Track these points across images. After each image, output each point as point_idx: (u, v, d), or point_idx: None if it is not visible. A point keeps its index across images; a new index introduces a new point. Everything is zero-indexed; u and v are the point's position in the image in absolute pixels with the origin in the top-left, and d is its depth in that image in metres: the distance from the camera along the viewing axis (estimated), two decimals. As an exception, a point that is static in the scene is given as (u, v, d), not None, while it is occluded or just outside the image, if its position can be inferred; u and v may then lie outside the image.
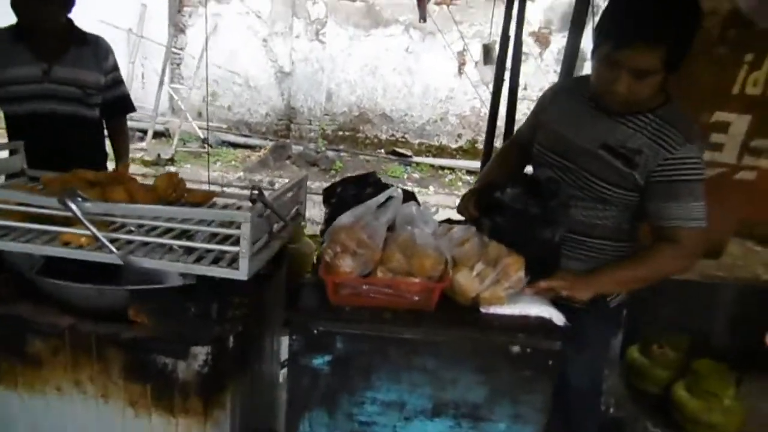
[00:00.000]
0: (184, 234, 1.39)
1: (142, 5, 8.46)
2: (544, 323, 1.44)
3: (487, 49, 4.48)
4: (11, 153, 1.83)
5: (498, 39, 3.28)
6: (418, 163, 8.75)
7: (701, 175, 1.50)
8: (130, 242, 1.34)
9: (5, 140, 2.02)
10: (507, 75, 3.09)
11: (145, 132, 8.37)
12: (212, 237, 1.36)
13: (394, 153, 8.95)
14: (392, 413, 1.42)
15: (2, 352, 1.44)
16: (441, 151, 9.18)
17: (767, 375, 2.68)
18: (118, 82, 2.51)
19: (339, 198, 1.69)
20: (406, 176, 8.34)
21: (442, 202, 6.98)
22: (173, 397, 1.41)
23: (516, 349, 1.36)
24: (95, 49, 2.39)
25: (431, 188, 7.84)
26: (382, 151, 9.13)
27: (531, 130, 1.81)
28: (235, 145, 8.81)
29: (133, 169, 6.87)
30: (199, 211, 1.46)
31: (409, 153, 8.96)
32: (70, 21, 2.33)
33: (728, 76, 2.78)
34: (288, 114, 9.21)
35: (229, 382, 1.44)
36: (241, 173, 7.62)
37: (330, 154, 8.58)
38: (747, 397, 2.81)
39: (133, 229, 1.37)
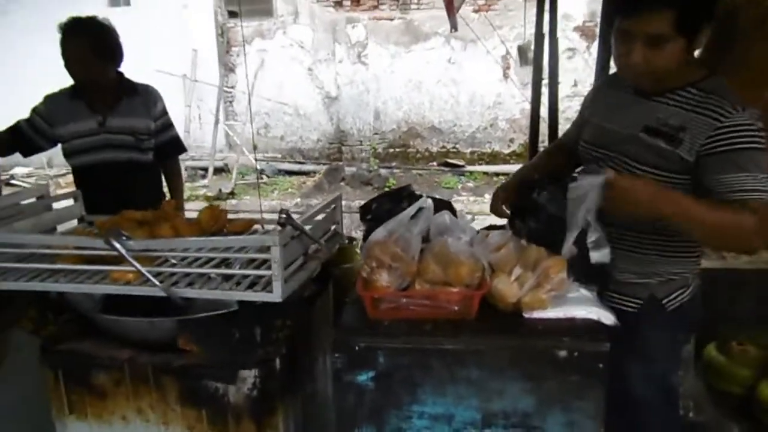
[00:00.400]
0: (223, 262, 1.45)
1: (193, 51, 8.94)
2: (591, 325, 1.38)
3: (522, 51, 4.41)
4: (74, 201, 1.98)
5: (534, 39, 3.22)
6: (471, 172, 8.69)
7: (761, 143, 1.37)
8: (173, 274, 1.41)
9: (70, 189, 2.18)
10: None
11: (205, 170, 8.78)
12: (250, 263, 1.41)
13: (446, 164, 8.92)
14: (441, 426, 1.39)
15: (72, 385, 1.55)
16: (494, 157, 9.07)
17: None
18: (169, 125, 2.66)
19: (375, 214, 1.71)
20: (460, 186, 8.29)
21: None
22: (227, 421, 1.46)
23: (562, 353, 1.31)
24: (145, 97, 2.54)
25: (487, 196, 7.74)
26: (434, 163, 9.14)
27: (576, 129, 1.78)
28: (290, 173, 9.08)
29: (196, 205, 7.22)
30: (229, 239, 1.52)
31: (461, 162, 8.91)
32: (121, 74, 2.49)
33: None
34: (338, 137, 9.41)
35: (280, 403, 1.47)
36: (298, 199, 7.83)
37: (383, 171, 8.68)
38: None
39: (175, 262, 1.44)
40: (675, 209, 1.36)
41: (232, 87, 9.35)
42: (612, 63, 2.23)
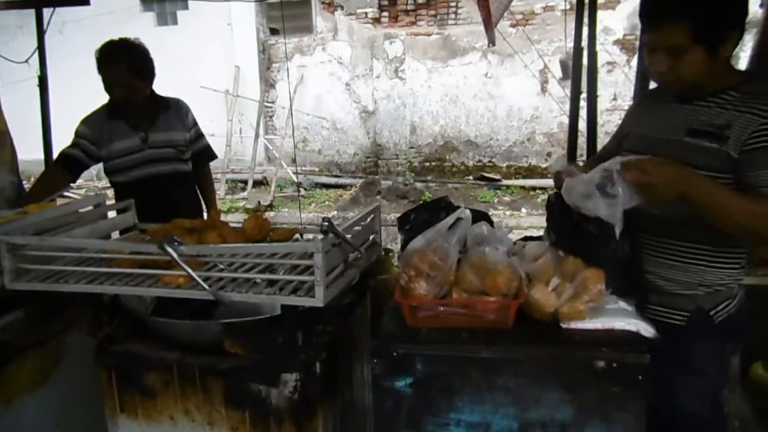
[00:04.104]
0: (268, 268, 1.51)
1: (236, 67, 9.22)
2: (631, 336, 1.37)
3: (563, 64, 4.40)
4: (124, 211, 2.08)
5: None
6: (507, 186, 8.63)
7: None
8: (220, 279, 1.47)
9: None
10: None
11: (245, 182, 9.00)
12: (293, 269, 1.46)
13: (482, 178, 8.90)
14: (478, 435, 1.41)
15: (124, 385, 1.62)
16: (531, 171, 8.99)
17: None
18: (200, 135, 2.79)
19: (413, 224, 1.74)
20: (496, 200, 8.25)
21: (535, 224, 6.81)
22: (269, 423, 1.50)
23: (601, 364, 1.31)
24: (177, 110, 2.67)
25: (523, 210, 7.68)
26: (470, 177, 9.12)
27: (616, 142, 1.78)
28: (327, 186, 9.22)
29: (236, 217, 7.40)
30: (275, 246, 1.58)
31: (497, 176, 8.87)
32: (153, 91, 2.62)
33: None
34: (375, 151, 9.51)
35: (320, 407, 1.51)
36: (335, 212, 7.93)
37: (418, 185, 8.71)
38: None
39: (223, 267, 1.51)
40: (700, 190, 1.36)
41: (273, 102, 9.58)
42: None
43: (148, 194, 2.46)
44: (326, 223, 1.36)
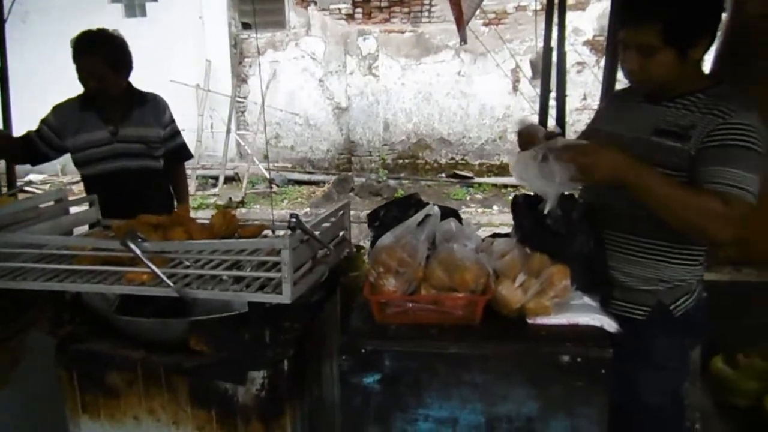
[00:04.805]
0: (235, 265, 1.49)
1: (207, 61, 9.08)
2: (595, 331, 1.40)
3: (534, 64, 4.46)
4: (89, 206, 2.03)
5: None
6: (480, 184, 8.71)
7: (759, 146, 1.40)
8: (186, 276, 1.45)
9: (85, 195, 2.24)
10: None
11: (216, 178, 8.88)
12: (260, 266, 1.45)
13: (455, 176, 8.96)
14: (446, 430, 1.42)
15: (86, 385, 1.58)
16: (502, 169, 9.08)
17: None
18: (176, 133, 2.73)
19: (382, 221, 1.74)
20: (468, 197, 8.31)
21: (507, 221, 6.88)
22: (236, 421, 1.49)
23: (566, 359, 1.33)
24: (154, 106, 2.61)
25: (495, 207, 7.76)
26: (443, 175, 9.17)
27: (585, 139, 1.80)
28: (300, 183, 9.16)
29: (207, 213, 7.30)
30: (241, 242, 1.56)
31: (470, 174, 8.94)
32: (130, 84, 2.56)
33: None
34: (348, 148, 9.48)
35: (288, 405, 1.50)
36: (308, 209, 7.88)
37: (391, 182, 8.73)
38: None
39: (188, 264, 1.48)
40: (640, 178, 1.39)
41: (245, 97, 9.47)
42: (618, 77, 2.28)
43: (116, 189, 2.41)
44: (294, 220, 1.35)
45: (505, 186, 8.47)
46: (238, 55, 9.39)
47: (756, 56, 2.58)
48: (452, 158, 9.33)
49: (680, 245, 1.57)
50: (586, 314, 1.44)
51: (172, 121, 2.71)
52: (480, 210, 7.70)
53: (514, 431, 1.39)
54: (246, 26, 9.30)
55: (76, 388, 1.57)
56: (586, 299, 1.50)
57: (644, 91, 1.59)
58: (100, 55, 2.36)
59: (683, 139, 1.47)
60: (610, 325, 1.42)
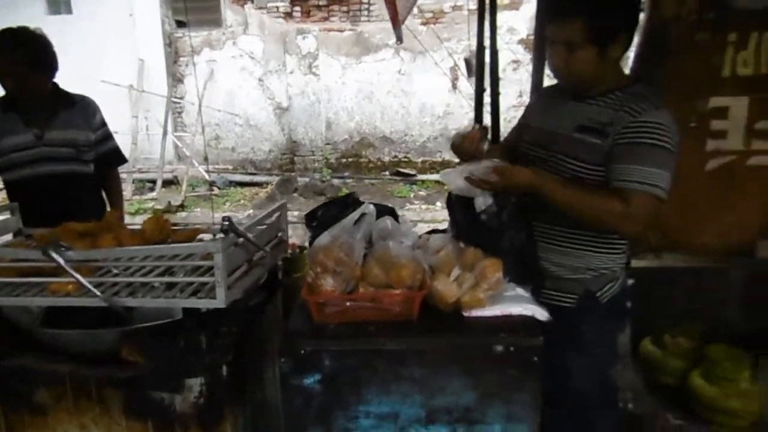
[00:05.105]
0: (167, 271, 1.45)
1: (140, 60, 8.75)
2: (527, 320, 1.45)
3: (468, 63, 4.55)
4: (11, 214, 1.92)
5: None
6: (423, 181, 8.81)
7: (668, 143, 1.50)
8: (114, 284, 1.40)
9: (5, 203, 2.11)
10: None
11: (154, 182, 8.57)
12: (194, 271, 1.42)
13: (399, 173, 9.03)
14: (387, 425, 1.43)
15: (11, 403, 1.50)
16: (445, 166, 9.18)
17: (784, 354, 2.63)
18: (108, 136, 2.62)
19: (320, 221, 1.75)
20: (412, 194, 8.40)
21: (450, 217, 7.00)
22: (174, 431, 1.45)
23: (499, 348, 1.38)
24: (83, 108, 2.50)
25: (438, 204, 7.87)
26: (387, 172, 9.23)
27: (516, 134, 1.89)
28: (242, 184, 8.98)
29: (144, 218, 7.04)
30: (172, 247, 1.52)
31: (413, 172, 9.03)
32: (56, 85, 2.44)
33: (715, 60, 2.78)
34: (290, 148, 9.38)
35: (228, 410, 1.47)
36: (251, 211, 7.74)
37: (335, 182, 8.70)
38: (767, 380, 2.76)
39: (118, 272, 1.43)
40: (549, 192, 1.54)
41: (181, 98, 9.19)
42: (546, 73, 2.36)
43: (43, 196, 2.29)
44: (226, 222, 1.33)
45: (448, 182, 8.62)
46: (173, 54, 9.11)
47: (668, 57, 2.75)
48: (395, 156, 9.40)
49: (604, 236, 1.65)
50: (519, 305, 1.49)
51: (104, 124, 2.59)
52: (424, 207, 7.80)
53: (453, 422, 1.42)
54: (180, 24, 9.03)
55: None
56: (519, 290, 1.56)
57: (569, 87, 1.66)
58: (19, 54, 2.23)
59: (602, 135, 1.55)
60: (541, 314, 1.48)
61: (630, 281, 1.93)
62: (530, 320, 1.45)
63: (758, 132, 2.81)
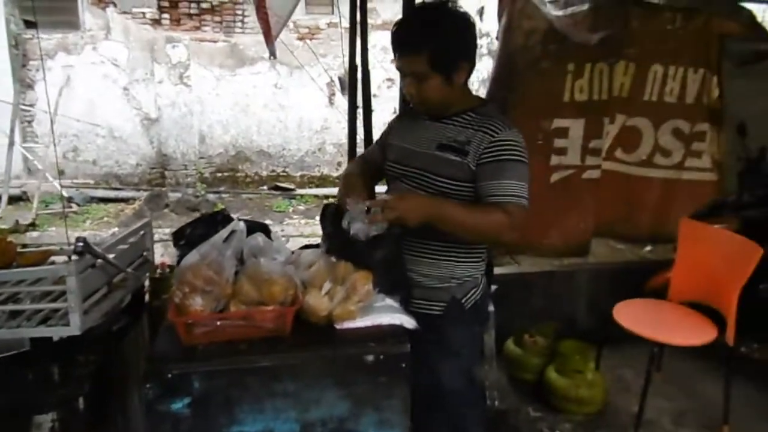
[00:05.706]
0: (11, 298, 1.32)
1: (-20, 63, 7.81)
2: (395, 329, 1.52)
3: (342, 81, 4.65)
4: None
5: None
6: (302, 195, 8.78)
7: (524, 157, 1.68)
8: (-54, 316, 1.25)
9: None
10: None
11: (-2, 198, 7.65)
12: (45, 296, 1.31)
13: (277, 188, 8.92)
14: (261, 443, 1.42)
15: None
16: (323, 180, 9.29)
17: (621, 345, 3.00)
18: None
19: (188, 239, 1.69)
20: (291, 209, 8.33)
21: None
22: (23, 474, 1.32)
23: (370, 358, 1.43)
24: None
25: (317, 218, 7.88)
26: (265, 187, 9.07)
27: (379, 150, 1.97)
28: (106, 200, 8.29)
29: (-14, 239, 6.25)
30: (13, 272, 1.39)
31: (291, 186, 8.97)
32: None
33: (557, 86, 3.13)
34: (160, 161, 8.88)
35: (86, 445, 1.37)
36: (116, 228, 7.19)
37: (210, 197, 8.37)
38: (611, 369, 3.13)
39: (-50, 301, 1.28)
40: (440, 216, 1.63)
41: (31, 105, 8.32)
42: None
43: None
44: (81, 243, 1.25)
45: (327, 197, 8.65)
46: (21, 57, 8.24)
47: (518, 82, 3.06)
48: (273, 170, 9.28)
49: (466, 246, 1.79)
50: (388, 315, 1.56)
51: None
52: (303, 221, 7.76)
53: (327, 433, 1.45)
54: (30, 25, 8.18)
55: None
56: (388, 300, 1.62)
57: (423, 111, 1.79)
58: None
59: (462, 153, 1.69)
60: (408, 322, 1.56)
61: (493, 287, 2.10)
62: (399, 329, 1.52)
63: (591, 150, 3.25)
